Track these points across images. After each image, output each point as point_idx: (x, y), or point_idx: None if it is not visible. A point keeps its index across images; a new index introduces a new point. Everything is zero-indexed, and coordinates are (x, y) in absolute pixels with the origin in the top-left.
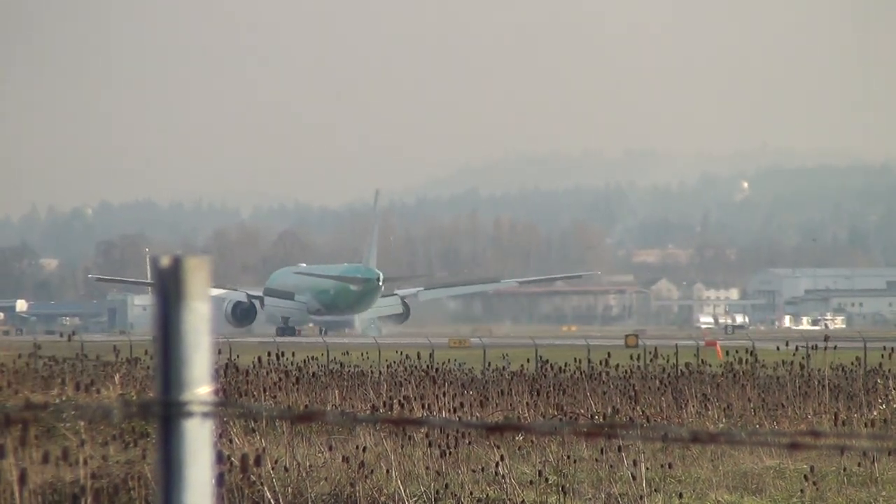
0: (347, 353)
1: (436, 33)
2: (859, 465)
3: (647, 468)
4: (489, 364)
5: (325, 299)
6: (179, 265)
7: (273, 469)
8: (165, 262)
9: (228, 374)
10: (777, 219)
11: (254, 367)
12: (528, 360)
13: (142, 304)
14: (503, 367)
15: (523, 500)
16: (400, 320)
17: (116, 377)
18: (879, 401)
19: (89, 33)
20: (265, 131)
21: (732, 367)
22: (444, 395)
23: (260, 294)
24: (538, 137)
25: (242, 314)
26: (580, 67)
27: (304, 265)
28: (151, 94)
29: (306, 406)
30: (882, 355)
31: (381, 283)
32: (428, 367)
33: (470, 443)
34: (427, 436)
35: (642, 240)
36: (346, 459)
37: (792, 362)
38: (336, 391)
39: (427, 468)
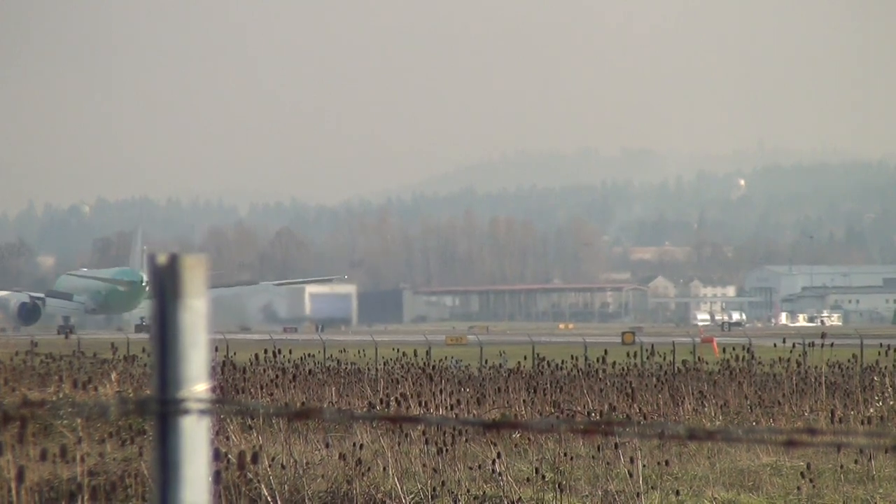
0: (344, 350)
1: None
2: (856, 462)
3: (644, 465)
4: (486, 361)
5: (98, 300)
6: (176, 263)
7: (270, 466)
8: (162, 259)
9: (225, 371)
10: (773, 216)
11: (251, 364)
12: (524, 358)
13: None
14: (500, 365)
15: (520, 498)
16: None
17: (113, 374)
18: (876, 398)
19: (88, 32)
20: (263, 130)
21: (729, 365)
22: (441, 392)
23: (42, 295)
24: (535, 136)
25: (28, 314)
26: (578, 66)
27: (86, 270)
28: (149, 92)
29: (303, 403)
30: (879, 352)
31: (145, 285)
32: (425, 364)
33: (467, 440)
34: (424, 433)
35: (639, 237)
36: (342, 457)
37: (789, 359)
38: (333, 388)
39: (424, 465)
